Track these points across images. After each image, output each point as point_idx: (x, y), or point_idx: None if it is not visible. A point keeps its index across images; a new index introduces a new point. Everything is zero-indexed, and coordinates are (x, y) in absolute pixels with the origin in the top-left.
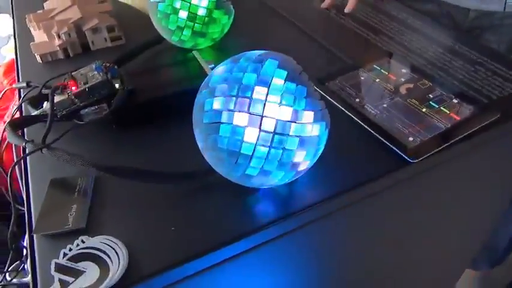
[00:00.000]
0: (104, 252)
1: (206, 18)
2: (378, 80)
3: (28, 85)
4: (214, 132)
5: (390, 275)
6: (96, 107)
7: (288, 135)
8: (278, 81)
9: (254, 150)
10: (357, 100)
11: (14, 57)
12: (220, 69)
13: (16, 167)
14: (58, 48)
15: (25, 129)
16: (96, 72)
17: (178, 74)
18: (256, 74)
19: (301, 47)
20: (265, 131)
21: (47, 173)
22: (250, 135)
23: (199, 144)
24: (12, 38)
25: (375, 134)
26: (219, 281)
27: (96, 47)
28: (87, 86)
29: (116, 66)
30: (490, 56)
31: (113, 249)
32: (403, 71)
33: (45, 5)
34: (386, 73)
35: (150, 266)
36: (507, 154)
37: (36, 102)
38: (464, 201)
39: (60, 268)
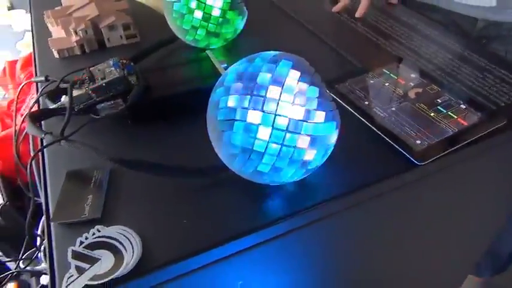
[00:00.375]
0: (119, 242)
1: (220, 18)
2: (387, 84)
3: (46, 79)
4: (228, 129)
5: (392, 277)
6: (112, 102)
7: (300, 133)
8: (291, 82)
9: (266, 147)
10: (366, 103)
11: (30, 52)
12: (236, 68)
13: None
14: (75, 44)
15: (42, 122)
16: (113, 69)
17: (191, 72)
18: (270, 74)
19: (312, 49)
20: (278, 129)
21: (63, 165)
22: (263, 133)
23: (213, 141)
24: (27, 33)
25: (383, 136)
26: (227, 274)
27: (111, 44)
28: (104, 81)
29: (132, 63)
30: (499, 64)
31: (127, 238)
32: (412, 75)
33: (63, 1)
34: (396, 77)
35: (162, 256)
36: None
37: (54, 96)
38: (469, 206)
39: (76, 255)
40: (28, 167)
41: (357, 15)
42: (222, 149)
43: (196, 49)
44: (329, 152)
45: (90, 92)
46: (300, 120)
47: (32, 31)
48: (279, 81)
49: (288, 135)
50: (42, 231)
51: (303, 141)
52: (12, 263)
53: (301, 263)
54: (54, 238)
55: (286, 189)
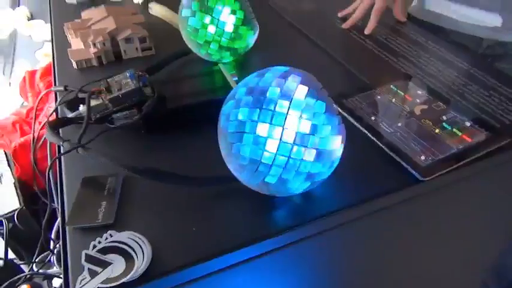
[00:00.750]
0: (130, 247)
1: (233, 33)
2: (393, 100)
3: (65, 89)
4: (237, 140)
5: None
6: (127, 112)
7: (306, 147)
8: (299, 96)
9: (274, 159)
10: (373, 118)
11: (49, 62)
12: (246, 82)
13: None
14: (93, 56)
15: (60, 130)
16: (129, 80)
17: (204, 84)
18: (279, 88)
19: (321, 65)
20: (285, 142)
21: (79, 172)
22: (271, 145)
23: (223, 152)
24: (46, 43)
25: (388, 151)
26: (234, 282)
27: (127, 56)
28: (120, 92)
29: (147, 75)
30: (505, 82)
31: (138, 244)
32: (419, 92)
33: (82, 14)
34: (403, 94)
35: (172, 262)
36: None
37: (72, 105)
38: (473, 223)
39: (89, 259)
40: (46, 173)
41: (366, 32)
42: (232, 160)
43: (209, 62)
44: (335, 165)
45: (106, 102)
46: (307, 134)
47: (52, 42)
48: (287, 96)
49: (295, 148)
50: (56, 235)
51: (309, 155)
52: (26, 265)
53: (306, 274)
54: (68, 241)
55: (293, 200)
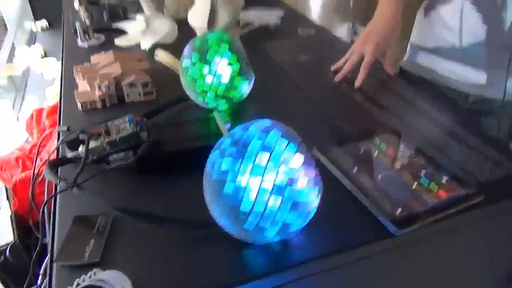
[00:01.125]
0: (112, 286)
1: (228, 84)
2: (376, 154)
3: (68, 129)
4: (220, 189)
5: None
6: (124, 154)
7: (283, 197)
8: (279, 150)
9: (252, 208)
10: (354, 170)
11: (56, 100)
12: (233, 133)
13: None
14: (97, 99)
15: (59, 168)
16: (128, 124)
17: (198, 130)
18: (261, 141)
19: (310, 116)
20: (263, 192)
21: (72, 210)
22: (250, 195)
23: (206, 198)
24: (56, 80)
25: (366, 203)
26: None
27: (130, 100)
28: (118, 136)
29: (145, 120)
30: (486, 141)
31: (120, 284)
32: (401, 146)
33: (92, 58)
34: (385, 147)
35: None
36: (490, 235)
37: (73, 145)
38: (449, 274)
39: None
40: (41, 210)
41: (356, 84)
42: (213, 206)
43: (206, 109)
44: (310, 216)
45: (104, 144)
46: (284, 186)
47: (60, 82)
48: (268, 149)
49: (272, 198)
50: (45, 271)
51: (285, 205)
52: None
53: None
54: (54, 278)
55: (272, 247)
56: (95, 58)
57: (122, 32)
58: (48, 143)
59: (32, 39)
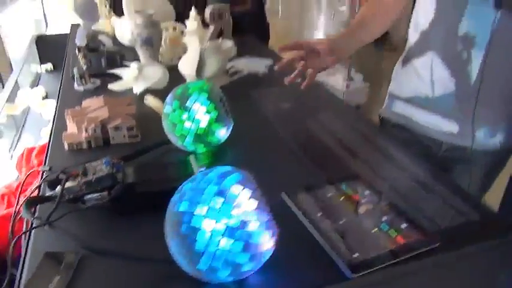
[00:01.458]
0: None
1: (206, 129)
2: (341, 199)
3: (50, 169)
4: (177, 229)
5: None
6: (99, 194)
7: (235, 239)
8: (233, 195)
9: (205, 248)
10: (318, 215)
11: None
12: (194, 178)
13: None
14: (84, 140)
15: (37, 206)
16: (104, 166)
17: (174, 173)
18: (217, 187)
19: (286, 162)
20: (216, 234)
21: (45, 246)
22: (203, 236)
23: (166, 237)
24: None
25: (325, 246)
26: None
27: (115, 142)
28: (94, 177)
29: (122, 162)
30: (451, 189)
31: None
32: (366, 192)
33: (83, 102)
34: (351, 193)
35: None
36: (448, 281)
37: (53, 184)
38: None
39: None
40: (11, 245)
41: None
42: (171, 245)
43: (186, 152)
44: (264, 258)
45: (81, 184)
46: (236, 228)
47: (52, 123)
48: (222, 194)
49: (224, 240)
50: None
51: (237, 246)
52: None
53: None
54: None
55: (227, 286)
56: (86, 102)
57: (117, 77)
58: (34, 180)
59: (36, 81)
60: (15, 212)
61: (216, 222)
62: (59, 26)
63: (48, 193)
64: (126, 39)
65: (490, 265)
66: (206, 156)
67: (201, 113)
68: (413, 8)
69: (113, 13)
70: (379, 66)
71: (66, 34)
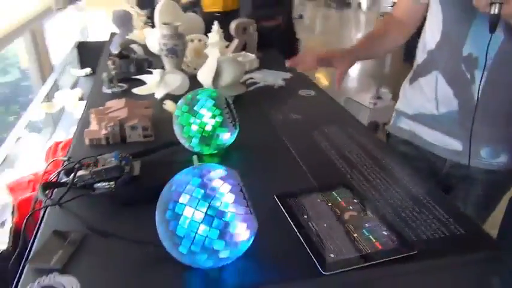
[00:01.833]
0: (64, 287)
1: (211, 132)
2: (329, 204)
3: (69, 159)
4: (164, 215)
5: None
6: (107, 183)
7: (212, 227)
8: (213, 188)
9: (185, 233)
10: (305, 216)
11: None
12: (185, 172)
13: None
14: (103, 136)
15: (54, 190)
16: (113, 159)
17: (178, 170)
18: (200, 179)
19: (286, 168)
20: (195, 221)
21: (54, 225)
22: (184, 222)
23: (156, 223)
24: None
25: (305, 245)
26: None
27: (131, 140)
28: (103, 167)
29: (130, 157)
30: (439, 203)
31: (71, 286)
32: (355, 201)
33: (107, 103)
34: (339, 200)
35: None
36: None
37: (69, 172)
38: None
39: None
40: (25, 219)
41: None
42: (160, 230)
43: (192, 152)
44: (242, 247)
45: (91, 173)
46: (213, 217)
47: (79, 121)
48: (204, 186)
49: (202, 226)
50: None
51: (213, 234)
52: None
53: None
54: (24, 274)
55: (209, 272)
56: (109, 103)
57: (142, 82)
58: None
59: (75, 83)
60: (36, 195)
61: (196, 210)
62: (101, 34)
63: (63, 180)
64: (155, 49)
65: (468, 279)
66: (211, 157)
67: (207, 117)
68: (422, 28)
69: (150, 24)
70: None
71: (105, 41)
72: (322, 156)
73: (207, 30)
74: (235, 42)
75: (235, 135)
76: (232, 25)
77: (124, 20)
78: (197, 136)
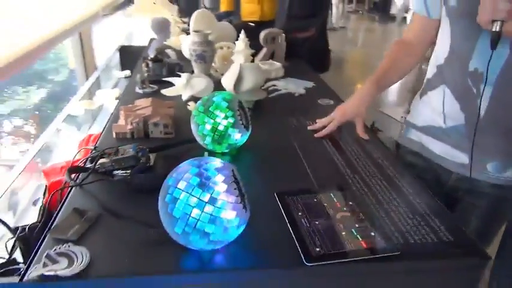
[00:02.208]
0: (76, 256)
1: (223, 132)
2: (325, 204)
3: (95, 149)
4: (164, 198)
5: None
6: (125, 171)
7: (203, 211)
8: (208, 177)
9: (180, 216)
10: (299, 214)
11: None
12: (185, 162)
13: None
14: (128, 131)
15: (80, 174)
16: (131, 150)
17: None
18: (198, 169)
19: (290, 168)
20: (189, 205)
21: (75, 203)
22: (180, 205)
23: (159, 206)
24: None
25: (294, 238)
26: None
27: (153, 136)
28: (121, 156)
29: (147, 149)
30: (434, 212)
31: (82, 255)
32: (350, 203)
33: (135, 102)
34: (335, 201)
35: (101, 271)
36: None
37: (93, 160)
38: None
39: (48, 256)
40: (50, 196)
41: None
42: (161, 213)
43: (205, 150)
44: (233, 232)
45: (112, 161)
46: (205, 202)
47: (110, 116)
48: (200, 175)
49: (195, 210)
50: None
51: (204, 218)
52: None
53: None
54: (44, 244)
55: (202, 254)
56: (137, 101)
57: (171, 85)
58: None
59: (116, 84)
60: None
61: (191, 195)
62: (144, 39)
63: (88, 166)
64: (187, 54)
65: (448, 284)
66: (222, 155)
67: (220, 117)
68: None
69: (187, 32)
70: None
71: (144, 46)
72: (327, 161)
73: None
74: (264, 50)
75: (246, 136)
76: (262, 34)
77: (162, 27)
78: (210, 135)
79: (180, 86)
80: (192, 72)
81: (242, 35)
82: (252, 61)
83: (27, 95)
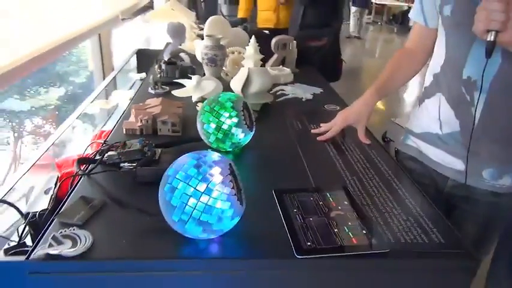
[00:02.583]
0: (80, 238)
1: (227, 131)
2: (321, 203)
3: (104, 143)
4: (163, 188)
5: None
6: (131, 164)
7: (199, 201)
8: (205, 169)
9: (177, 204)
10: (295, 210)
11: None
12: (185, 155)
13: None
14: (137, 128)
15: (89, 165)
16: (137, 144)
17: None
18: (196, 161)
19: (290, 168)
20: (186, 195)
21: (83, 191)
22: (178, 194)
23: (159, 195)
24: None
25: (287, 232)
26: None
27: (161, 133)
28: (128, 149)
29: (153, 144)
30: (428, 214)
31: (85, 238)
32: (345, 203)
33: (146, 101)
34: (331, 200)
35: (101, 254)
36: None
37: (102, 152)
38: None
39: (53, 237)
40: (60, 182)
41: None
42: (160, 201)
43: (209, 148)
44: (228, 222)
45: (119, 153)
46: (201, 192)
47: (122, 114)
48: (197, 166)
49: (191, 199)
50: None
51: (200, 207)
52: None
53: None
54: (51, 226)
55: (195, 242)
56: (148, 101)
57: (182, 86)
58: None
59: (131, 86)
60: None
61: (188, 185)
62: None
63: (97, 157)
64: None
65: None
66: (226, 154)
67: (224, 117)
68: None
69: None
70: None
71: (160, 50)
72: (327, 162)
73: None
74: (275, 56)
75: (250, 136)
76: (273, 41)
77: (178, 32)
78: (214, 133)
79: (191, 88)
80: (203, 75)
81: (252, 40)
82: (263, 66)
83: (47, 95)
